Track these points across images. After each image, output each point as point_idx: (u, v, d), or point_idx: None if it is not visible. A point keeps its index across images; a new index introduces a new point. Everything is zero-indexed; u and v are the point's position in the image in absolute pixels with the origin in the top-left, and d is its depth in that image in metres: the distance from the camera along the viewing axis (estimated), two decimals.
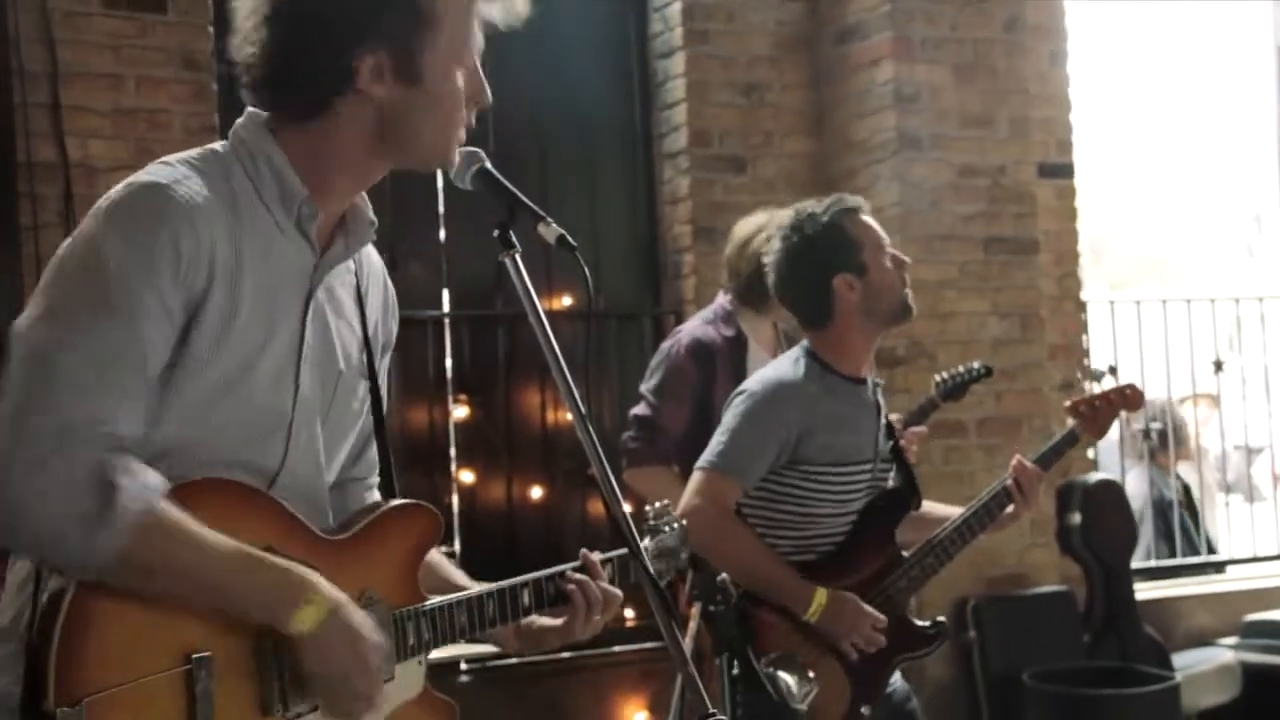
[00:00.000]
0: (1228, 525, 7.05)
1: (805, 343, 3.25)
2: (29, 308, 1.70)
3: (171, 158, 1.80)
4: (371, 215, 1.95)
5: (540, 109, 5.47)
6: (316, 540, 1.84)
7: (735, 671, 2.98)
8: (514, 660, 4.99)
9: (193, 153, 1.82)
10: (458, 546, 5.11)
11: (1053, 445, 3.40)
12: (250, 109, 1.87)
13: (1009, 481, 3.26)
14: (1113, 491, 5.67)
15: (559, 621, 2.10)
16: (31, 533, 1.60)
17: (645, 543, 2.24)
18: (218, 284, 1.72)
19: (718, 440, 3.16)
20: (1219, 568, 6.59)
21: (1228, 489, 7.40)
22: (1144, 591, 5.88)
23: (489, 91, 1.89)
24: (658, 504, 2.37)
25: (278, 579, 1.71)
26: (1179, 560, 6.52)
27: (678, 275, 5.58)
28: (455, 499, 5.32)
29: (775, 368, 3.27)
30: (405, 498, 2.02)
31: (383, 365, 2.07)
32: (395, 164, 1.89)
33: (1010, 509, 3.28)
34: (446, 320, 5.36)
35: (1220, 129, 9.60)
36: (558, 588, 2.08)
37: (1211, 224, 10.11)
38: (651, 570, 2.03)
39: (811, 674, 3.06)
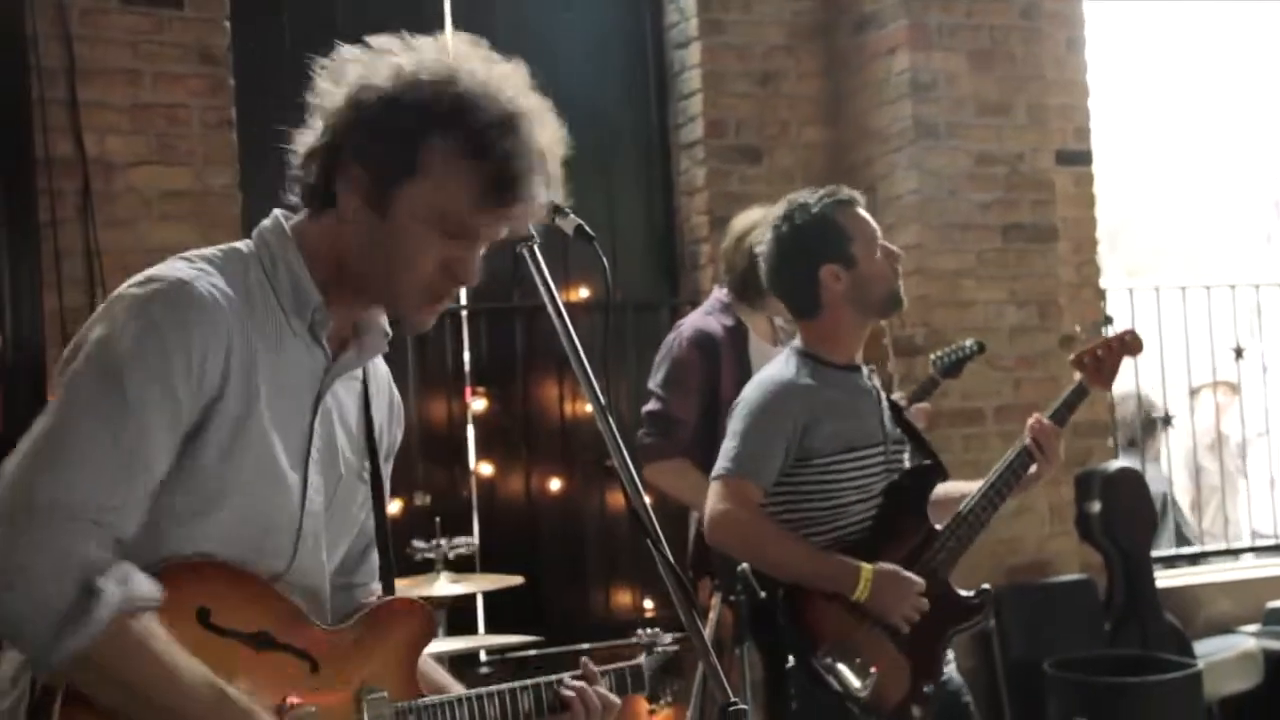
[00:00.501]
0: (1249, 512, 7.01)
1: (794, 343, 3.30)
2: (51, 402, 1.70)
3: (194, 254, 1.82)
4: (386, 327, 1.96)
5: (556, 100, 5.45)
6: (315, 631, 1.86)
7: (790, 665, 2.99)
8: (534, 652, 5.00)
9: (215, 250, 1.84)
10: (476, 540, 5.11)
11: (1063, 400, 3.40)
12: (276, 212, 1.90)
13: (1028, 441, 3.26)
14: (1132, 479, 5.65)
15: None
16: (2, 607, 1.57)
17: (643, 659, 2.28)
18: (231, 385, 1.74)
19: (727, 447, 3.19)
20: (1238, 555, 6.57)
21: (1247, 476, 7.36)
22: (1165, 579, 5.86)
23: (476, 273, 1.88)
24: (651, 631, 2.43)
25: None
26: (1200, 548, 6.50)
27: (695, 266, 5.58)
28: (474, 491, 5.33)
29: (768, 371, 3.31)
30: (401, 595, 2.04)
31: (385, 471, 2.07)
32: (366, 291, 1.87)
33: (1033, 469, 3.28)
34: (464, 313, 5.37)
35: (1240, 115, 9.54)
36: (557, 694, 2.09)
37: (1231, 210, 10.05)
38: (657, 683, 2.20)
39: (869, 661, 3.07)
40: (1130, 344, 3.50)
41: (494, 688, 2.04)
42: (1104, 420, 6.00)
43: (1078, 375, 3.46)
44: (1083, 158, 6.16)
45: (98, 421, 1.65)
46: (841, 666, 3.05)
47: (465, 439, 5.36)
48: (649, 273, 5.69)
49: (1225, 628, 5.83)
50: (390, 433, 2.08)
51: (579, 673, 2.13)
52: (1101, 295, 6.21)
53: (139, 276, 1.77)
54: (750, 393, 3.24)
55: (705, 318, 4.12)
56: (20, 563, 1.56)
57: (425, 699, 1.96)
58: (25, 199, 4.49)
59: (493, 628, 4.94)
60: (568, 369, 5.31)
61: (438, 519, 4.43)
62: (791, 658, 3.08)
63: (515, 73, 1.90)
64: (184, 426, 1.70)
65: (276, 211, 1.90)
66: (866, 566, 3.09)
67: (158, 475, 1.69)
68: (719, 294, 4.18)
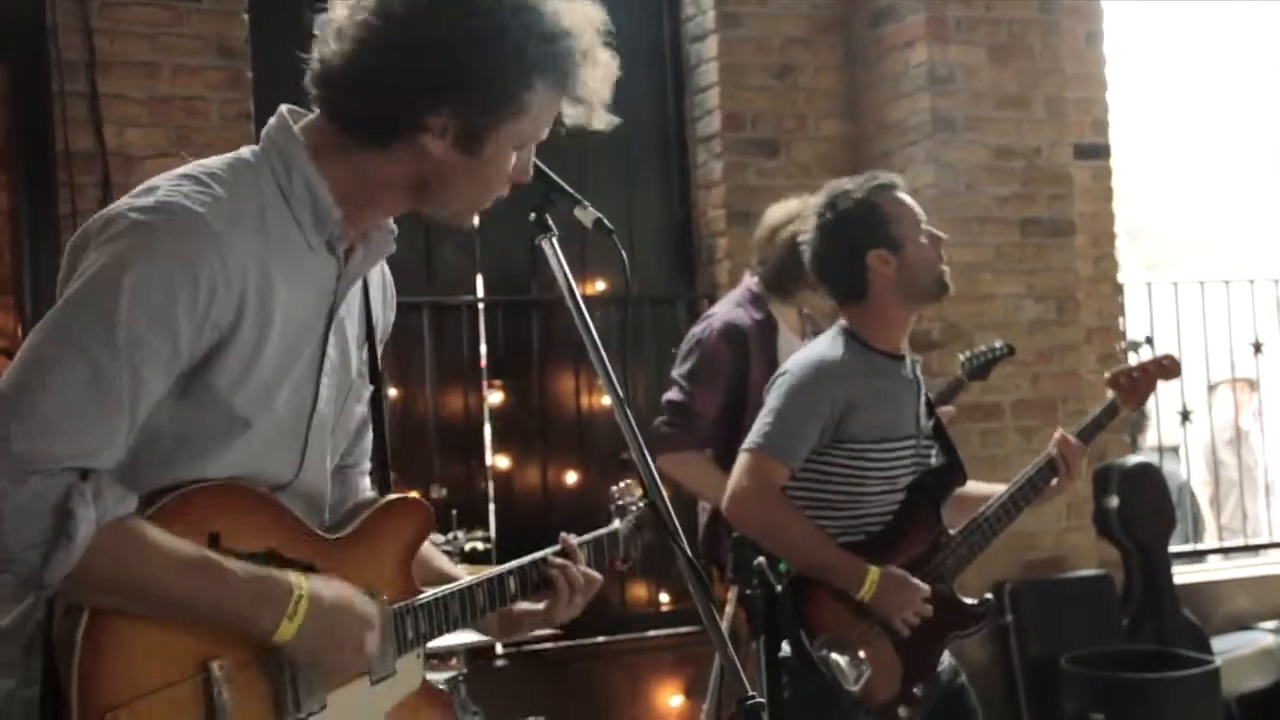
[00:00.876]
0: (1267, 508, 6.99)
1: (842, 321, 3.25)
2: (49, 314, 1.67)
3: (199, 170, 1.75)
4: (392, 225, 1.93)
5: None
6: (319, 541, 1.87)
7: (785, 654, 2.98)
8: (550, 645, 5.01)
9: (220, 163, 1.78)
10: (493, 532, 5.12)
11: (1094, 418, 3.40)
12: (282, 109, 1.84)
13: (1053, 452, 3.26)
14: (1150, 474, 5.63)
15: (540, 606, 2.15)
16: None
17: (617, 524, 2.31)
18: (247, 315, 1.72)
19: (762, 422, 3.16)
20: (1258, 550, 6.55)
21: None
22: (1182, 575, 5.85)
23: (531, 171, 1.90)
24: (621, 484, 2.38)
25: (252, 590, 1.73)
26: (1218, 544, 6.47)
27: (711, 260, 5.58)
28: (490, 484, 5.33)
29: (814, 347, 3.27)
30: (397, 491, 2.05)
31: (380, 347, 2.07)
32: (414, 208, 1.88)
33: (1054, 482, 3.28)
34: (480, 305, 5.37)
35: (1258, 108, 9.50)
36: (541, 573, 2.12)
37: (1250, 205, 10.01)
38: (630, 544, 2.22)
39: (863, 655, 3.06)
40: (1168, 368, 3.50)
41: (480, 575, 2.07)
42: (1122, 416, 5.98)
43: (1110, 393, 3.45)
44: (1101, 152, 6.14)
45: (84, 361, 1.61)
46: (836, 658, 3.05)
47: (482, 432, 5.36)
48: (666, 266, 5.69)
49: (1244, 624, 5.82)
50: (385, 318, 2.08)
51: (559, 548, 2.16)
52: (1119, 290, 6.20)
53: (143, 194, 1.71)
54: (794, 369, 3.20)
55: (735, 309, 4.07)
56: (29, 517, 1.58)
57: (419, 597, 1.98)
58: (46, 191, 4.51)
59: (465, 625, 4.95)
60: (584, 362, 5.33)
61: (454, 512, 4.44)
62: (786, 644, 3.07)
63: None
64: (184, 362, 1.69)
65: (283, 109, 1.84)
66: (874, 568, 3.09)
67: (142, 415, 1.67)
68: (749, 283, 4.12)
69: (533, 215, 1.94)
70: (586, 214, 1.92)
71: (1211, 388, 6.86)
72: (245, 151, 1.82)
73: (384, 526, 1.98)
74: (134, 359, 1.63)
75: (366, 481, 2.12)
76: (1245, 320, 6.43)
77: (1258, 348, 6.41)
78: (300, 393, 1.83)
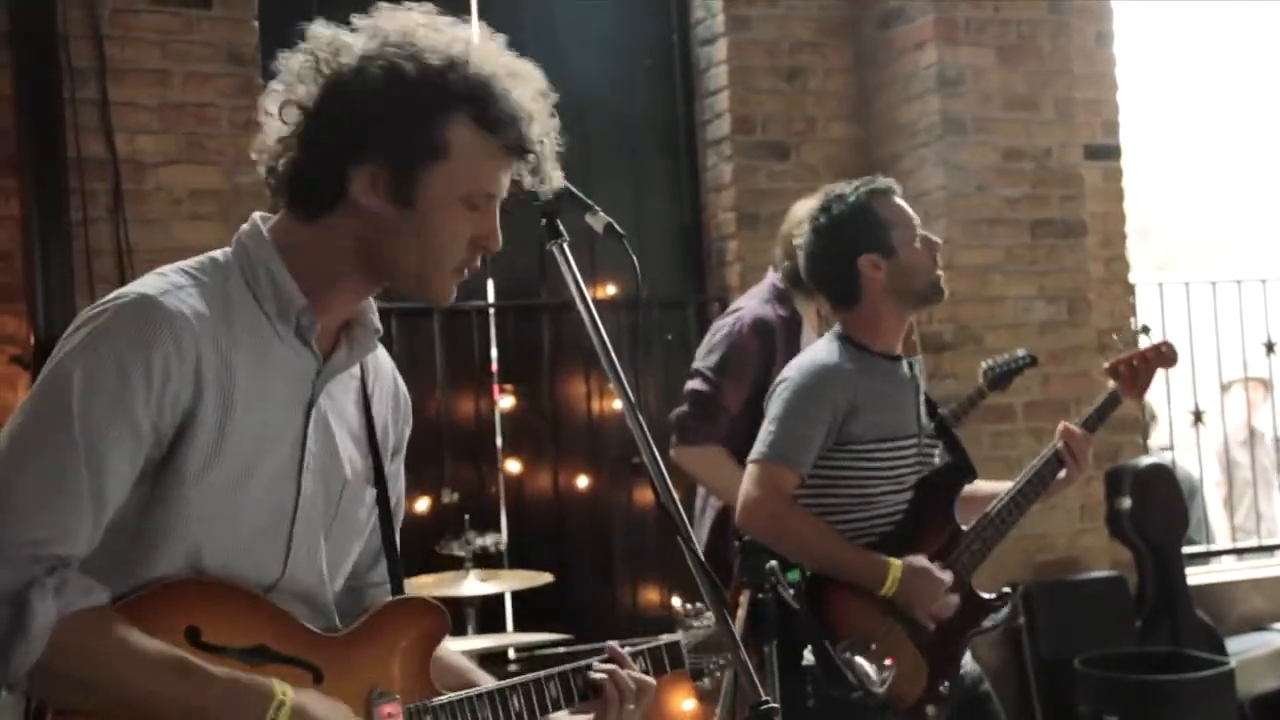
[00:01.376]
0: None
1: (837, 327, 3.27)
2: (13, 413, 1.69)
3: (169, 268, 1.77)
4: (377, 324, 1.91)
5: (584, 98, 5.46)
6: (315, 638, 1.81)
7: (809, 661, 2.97)
8: (563, 650, 5.00)
9: (194, 261, 1.80)
10: (504, 537, 5.12)
11: (1096, 409, 3.40)
12: (255, 215, 1.86)
13: (1060, 445, 3.26)
14: (1163, 475, 5.62)
15: (589, 717, 2.02)
16: None
17: (679, 636, 2.20)
18: (207, 397, 1.70)
19: (767, 431, 3.18)
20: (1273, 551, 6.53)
21: None
22: (1196, 576, 5.83)
23: (500, 238, 1.85)
24: (693, 605, 2.27)
25: (228, 695, 1.66)
26: (1232, 544, 6.46)
27: (722, 262, 5.57)
28: (502, 489, 5.33)
29: (811, 353, 3.29)
30: (411, 594, 2.00)
31: (394, 469, 2.02)
32: (378, 283, 1.85)
33: (1063, 474, 3.28)
34: (491, 310, 5.37)
35: (1270, 108, 9.47)
36: (586, 680, 2.01)
37: (1261, 204, 9.98)
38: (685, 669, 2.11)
39: (887, 658, 3.05)
40: (1166, 355, 3.50)
41: (517, 679, 1.97)
42: (1134, 416, 5.97)
43: (1111, 383, 3.45)
44: (1112, 152, 6.12)
45: (46, 458, 1.62)
46: (860, 661, 3.04)
47: (493, 436, 5.37)
48: (676, 270, 5.69)
49: (1258, 625, 5.80)
50: (396, 428, 2.02)
51: (605, 655, 2.06)
52: (1131, 290, 6.18)
53: (113, 293, 1.73)
54: (792, 376, 3.22)
55: (764, 305, 4.04)
56: None
57: (441, 698, 1.90)
58: (57, 198, 4.51)
59: (521, 625, 4.95)
60: (595, 365, 5.32)
61: (466, 516, 4.44)
62: (809, 652, 3.07)
63: (491, 38, 1.87)
64: (148, 447, 1.67)
65: (255, 215, 1.85)
66: (896, 562, 3.09)
67: (113, 503, 1.66)
68: (773, 279, 4.09)
69: (543, 221, 1.93)
70: (597, 219, 1.92)
71: (1225, 387, 6.84)
72: (218, 252, 1.83)
73: (392, 624, 1.90)
74: (93, 446, 1.63)
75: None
76: (1258, 320, 6.41)
77: (1270, 347, 6.39)
78: (280, 489, 1.79)
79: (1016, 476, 3.35)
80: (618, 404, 1.87)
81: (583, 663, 2.03)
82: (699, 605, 2.31)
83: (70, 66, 4.57)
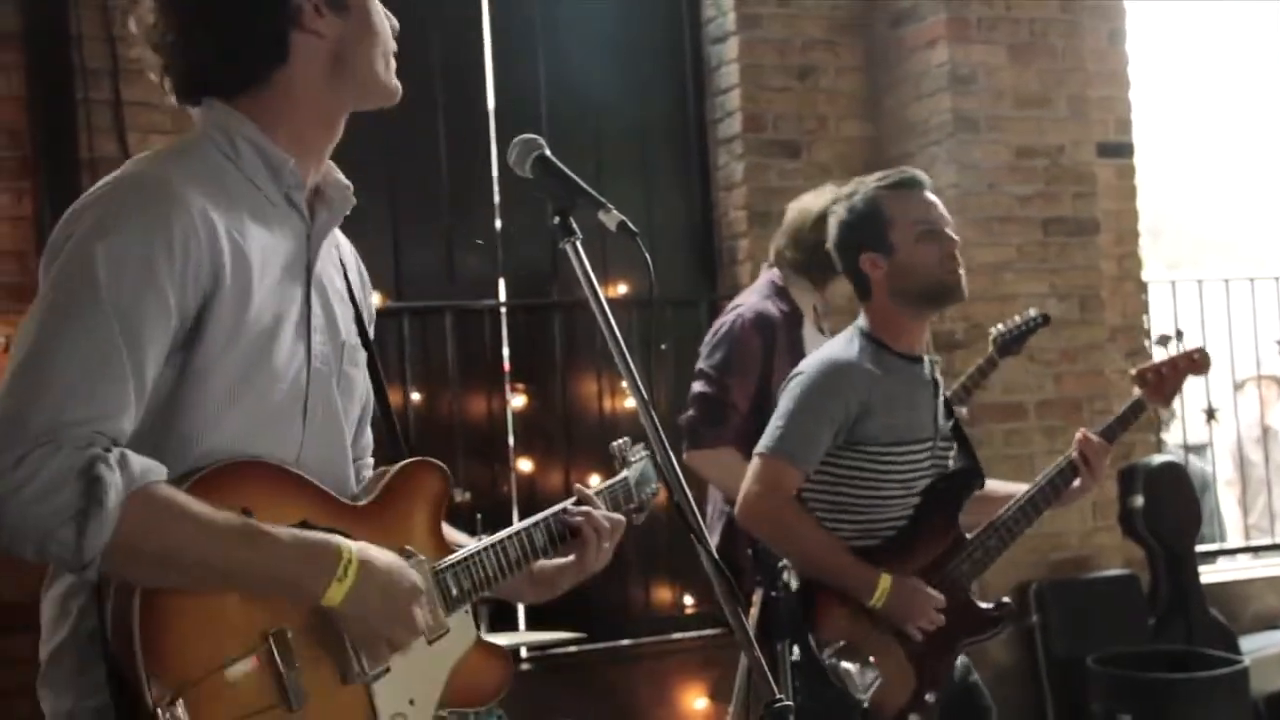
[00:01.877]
0: None
1: (860, 321, 3.24)
2: (31, 309, 1.68)
3: (151, 154, 1.81)
4: (344, 180, 1.95)
5: (595, 96, 5.48)
6: (346, 508, 1.89)
7: (795, 659, 2.97)
8: (574, 649, 5.01)
9: (167, 148, 1.83)
10: None
11: (1120, 416, 3.35)
12: (208, 99, 1.86)
13: (1074, 455, 3.23)
14: (1176, 474, 5.61)
15: (570, 559, 2.17)
16: (19, 532, 1.58)
17: (625, 473, 2.38)
18: (226, 274, 1.72)
19: (775, 425, 3.15)
20: None
21: None
22: (1210, 574, 5.82)
23: (393, 18, 1.94)
24: (619, 442, 2.43)
25: (299, 553, 1.73)
26: (1246, 542, 6.44)
27: (733, 261, 5.57)
28: (514, 488, 5.34)
29: (829, 348, 3.25)
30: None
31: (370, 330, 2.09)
32: (350, 101, 1.90)
33: (1076, 483, 3.24)
34: (503, 309, 5.38)
35: None
36: (565, 524, 2.15)
37: (1273, 202, 9.96)
38: (640, 491, 2.31)
39: (874, 662, 3.04)
40: (1198, 362, 3.43)
41: (506, 531, 2.09)
42: (1148, 415, 5.95)
43: (1137, 390, 3.40)
44: (1124, 150, 6.11)
45: (80, 331, 1.62)
46: (846, 666, 3.04)
47: (505, 435, 5.37)
48: (687, 268, 5.69)
49: (1272, 623, 5.78)
50: (366, 302, 2.08)
51: (576, 499, 2.20)
52: (1143, 289, 6.17)
53: (103, 180, 1.75)
54: (808, 370, 3.18)
55: (763, 301, 4.01)
56: (28, 487, 1.56)
57: (452, 556, 2.00)
58: (69, 199, 4.46)
59: (534, 624, 4.95)
60: (606, 364, 5.33)
61: (479, 516, 4.44)
62: (797, 650, 3.06)
63: None
64: (176, 320, 1.69)
65: (212, 99, 1.86)
66: (886, 575, 3.06)
67: (151, 378, 1.67)
68: (771, 276, 4.07)
69: (556, 219, 1.94)
70: (610, 217, 1.91)
71: (1239, 385, 6.82)
72: (184, 139, 1.86)
73: (407, 488, 1.99)
74: (127, 321, 1.64)
75: (369, 473, 2.10)
76: (1271, 318, 6.40)
77: None
78: (294, 353, 1.83)
79: (1028, 475, 3.33)
80: (630, 402, 1.87)
81: (556, 508, 2.17)
82: (624, 441, 2.42)
83: (83, 67, 4.59)
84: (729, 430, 3.87)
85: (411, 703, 1.90)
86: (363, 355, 2.00)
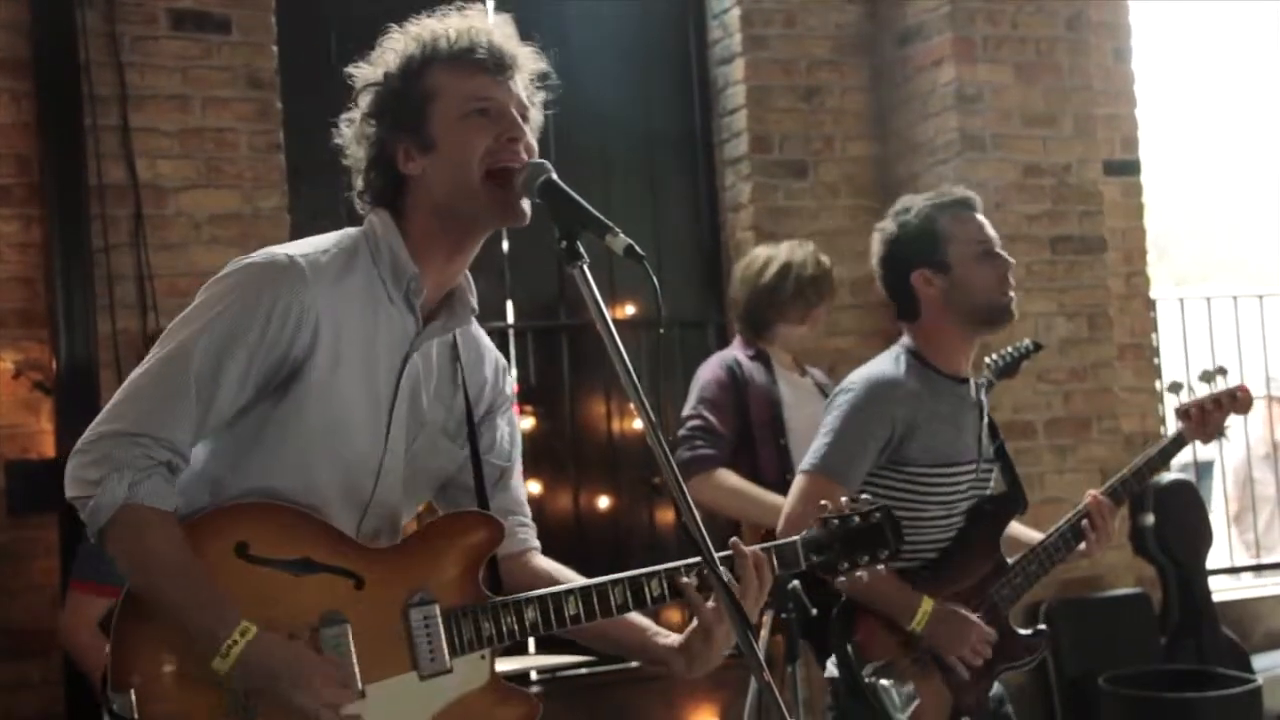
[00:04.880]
0: None
1: (905, 339, 3.21)
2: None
3: (316, 237, 2.14)
4: (474, 303, 2.24)
5: (602, 118, 5.49)
6: (362, 550, 2.07)
7: (832, 674, 2.96)
8: (584, 670, 4.99)
9: (337, 234, 2.15)
10: None
11: (1161, 449, 3.32)
12: (379, 208, 2.18)
13: (1084, 523, 3.20)
14: (1186, 492, 5.59)
15: (705, 621, 2.13)
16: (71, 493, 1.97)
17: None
18: (320, 342, 2.03)
19: (820, 442, 3.11)
20: None
21: None
22: (1222, 593, 5.79)
23: (510, 117, 2.11)
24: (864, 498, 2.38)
25: (203, 614, 1.93)
26: (1258, 560, 6.42)
27: None
28: None
29: (876, 365, 3.20)
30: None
31: (501, 419, 2.33)
32: (460, 219, 2.13)
33: (1082, 547, 3.21)
34: (511, 331, 5.38)
35: None
36: (668, 584, 2.15)
37: (1277, 218, 9.96)
38: (775, 566, 2.22)
39: (913, 685, 3.02)
40: (1241, 400, 3.39)
41: (575, 585, 2.16)
42: (1156, 432, 5.95)
43: (1179, 424, 3.37)
44: (1131, 168, 6.11)
45: (167, 362, 1.99)
46: (885, 686, 3.02)
47: None
48: (695, 289, 5.69)
49: None
50: (494, 387, 2.32)
51: (685, 565, 2.15)
52: (1151, 306, 6.16)
53: (266, 249, 2.09)
54: (854, 388, 3.14)
55: (730, 351, 4.29)
56: (89, 467, 1.95)
57: (487, 601, 2.10)
58: (78, 225, 4.54)
59: (543, 647, 4.94)
60: (615, 386, 5.32)
61: None
62: (834, 666, 3.04)
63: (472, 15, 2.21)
64: (256, 372, 2.00)
65: (382, 209, 2.17)
66: (927, 599, 3.03)
67: (220, 408, 2.00)
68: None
69: (563, 244, 1.94)
70: (617, 241, 1.91)
71: None
72: (355, 230, 2.18)
73: (440, 535, 2.12)
74: (211, 359, 1.98)
75: (527, 534, 2.40)
76: (1279, 335, 6.39)
77: None
78: (376, 425, 2.10)
79: (1037, 494, 3.32)
80: (638, 424, 1.87)
81: (656, 569, 2.16)
82: (852, 503, 2.33)
83: (91, 94, 4.60)
84: (719, 453, 3.99)
85: None
86: (445, 444, 2.23)
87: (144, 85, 4.71)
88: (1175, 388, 3.47)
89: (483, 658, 2.09)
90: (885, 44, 5.64)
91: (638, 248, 1.91)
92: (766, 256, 4.28)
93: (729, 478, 3.99)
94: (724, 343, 5.07)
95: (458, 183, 2.08)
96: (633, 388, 1.88)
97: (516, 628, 2.08)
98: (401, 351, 2.13)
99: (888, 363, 3.18)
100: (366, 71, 2.17)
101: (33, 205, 4.58)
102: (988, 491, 3.23)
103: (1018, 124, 5.38)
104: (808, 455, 3.13)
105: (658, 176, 5.66)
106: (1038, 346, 4.24)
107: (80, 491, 1.94)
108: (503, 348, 5.34)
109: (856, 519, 2.32)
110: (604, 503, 5.43)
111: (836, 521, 2.32)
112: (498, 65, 2.13)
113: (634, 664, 5.11)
